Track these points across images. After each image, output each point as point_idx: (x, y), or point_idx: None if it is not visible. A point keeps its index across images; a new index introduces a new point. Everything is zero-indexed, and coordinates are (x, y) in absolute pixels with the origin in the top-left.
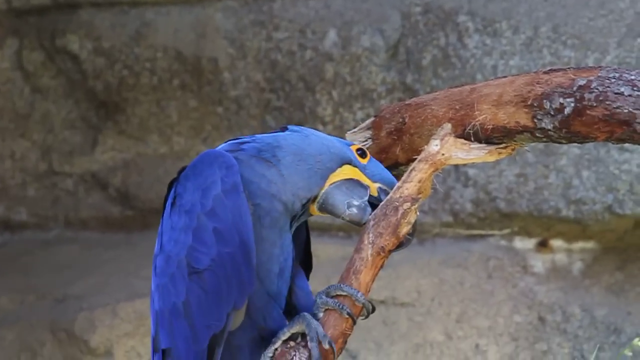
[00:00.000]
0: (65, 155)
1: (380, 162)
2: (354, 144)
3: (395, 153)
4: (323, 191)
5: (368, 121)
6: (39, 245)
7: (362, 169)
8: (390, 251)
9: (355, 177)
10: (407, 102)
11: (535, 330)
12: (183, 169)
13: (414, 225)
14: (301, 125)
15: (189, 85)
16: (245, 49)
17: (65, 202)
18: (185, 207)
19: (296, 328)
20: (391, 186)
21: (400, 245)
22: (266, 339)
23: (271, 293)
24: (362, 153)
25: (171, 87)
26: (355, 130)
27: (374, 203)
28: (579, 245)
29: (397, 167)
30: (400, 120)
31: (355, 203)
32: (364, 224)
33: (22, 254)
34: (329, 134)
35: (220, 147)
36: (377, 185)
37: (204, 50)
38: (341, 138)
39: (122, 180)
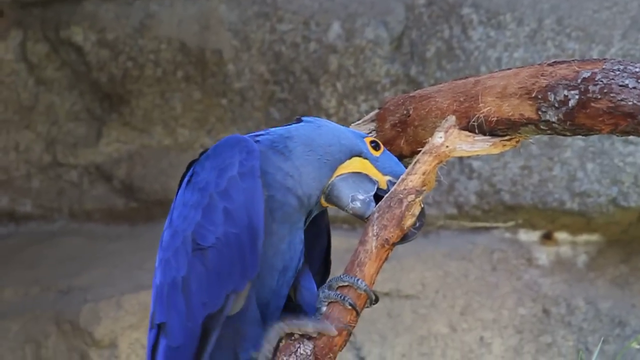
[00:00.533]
0: (70, 147)
1: None
2: (368, 136)
3: (399, 145)
4: (330, 182)
5: (372, 113)
6: (43, 237)
7: (374, 161)
8: (394, 244)
9: (364, 171)
10: (411, 94)
11: (540, 323)
12: (205, 150)
13: (422, 218)
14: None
15: (193, 77)
16: (250, 41)
17: (69, 193)
18: (200, 184)
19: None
20: None
21: (406, 237)
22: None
23: (269, 289)
24: (375, 145)
25: (175, 78)
26: (360, 122)
27: (382, 196)
28: (583, 237)
29: (401, 160)
30: (405, 112)
31: (360, 197)
32: (368, 218)
33: (26, 246)
34: None
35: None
36: (387, 178)
37: (208, 42)
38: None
39: (126, 172)
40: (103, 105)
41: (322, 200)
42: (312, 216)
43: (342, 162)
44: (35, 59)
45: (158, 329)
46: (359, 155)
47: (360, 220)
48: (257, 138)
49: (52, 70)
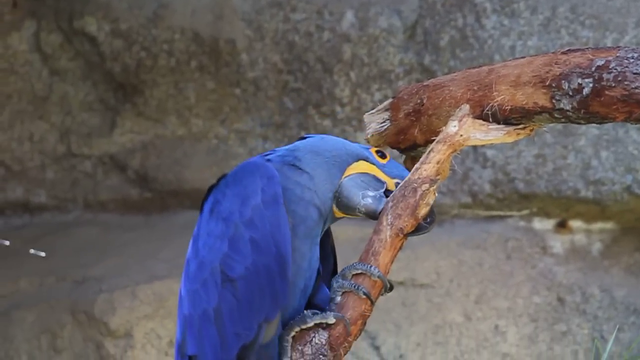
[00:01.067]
0: (84, 137)
1: (398, 143)
2: (372, 147)
3: (413, 134)
4: (339, 183)
5: (386, 102)
6: (58, 228)
7: (381, 167)
8: (407, 235)
9: (372, 172)
10: (425, 83)
11: (555, 311)
12: (223, 176)
13: (433, 215)
14: (319, 107)
15: (207, 66)
16: (263, 31)
17: (84, 184)
18: (223, 214)
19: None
20: None
21: (418, 229)
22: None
23: (292, 309)
24: (381, 154)
25: (189, 68)
26: (373, 111)
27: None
28: (598, 225)
29: (415, 149)
30: (419, 101)
31: (371, 194)
32: (379, 215)
33: (41, 236)
34: (347, 116)
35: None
36: (395, 180)
37: (222, 32)
38: (360, 143)
39: (140, 162)
40: (117, 96)
41: (334, 208)
42: (325, 229)
43: (349, 164)
44: (49, 50)
45: None
46: (366, 160)
47: (372, 219)
48: (267, 157)
49: (66, 60)
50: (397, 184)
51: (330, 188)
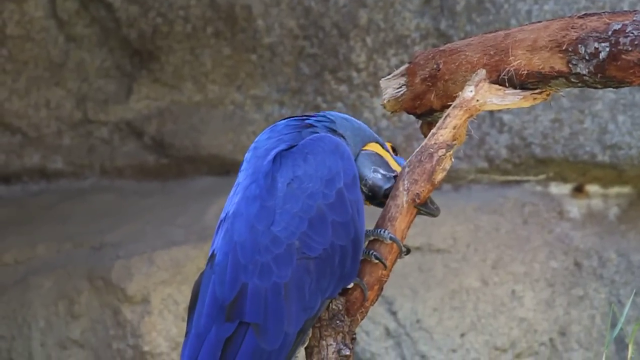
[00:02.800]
0: (100, 103)
1: (415, 108)
2: (388, 143)
3: (429, 99)
4: (358, 153)
5: (402, 68)
6: (74, 194)
7: (394, 158)
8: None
9: (385, 157)
10: (441, 48)
11: (572, 276)
12: (291, 146)
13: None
14: (335, 73)
15: (223, 32)
16: None
17: (100, 150)
18: (305, 192)
19: None
20: None
21: (428, 211)
22: None
23: None
24: (393, 150)
25: (205, 34)
26: (390, 77)
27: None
28: (614, 190)
29: (431, 114)
30: (435, 66)
31: (382, 171)
32: (383, 194)
33: (58, 203)
34: (363, 81)
35: (280, 123)
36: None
37: None
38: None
39: (157, 128)
40: (133, 62)
41: None
42: None
43: (367, 141)
44: (65, 16)
45: (244, 327)
46: (381, 145)
47: (374, 198)
48: (306, 121)
49: (82, 27)
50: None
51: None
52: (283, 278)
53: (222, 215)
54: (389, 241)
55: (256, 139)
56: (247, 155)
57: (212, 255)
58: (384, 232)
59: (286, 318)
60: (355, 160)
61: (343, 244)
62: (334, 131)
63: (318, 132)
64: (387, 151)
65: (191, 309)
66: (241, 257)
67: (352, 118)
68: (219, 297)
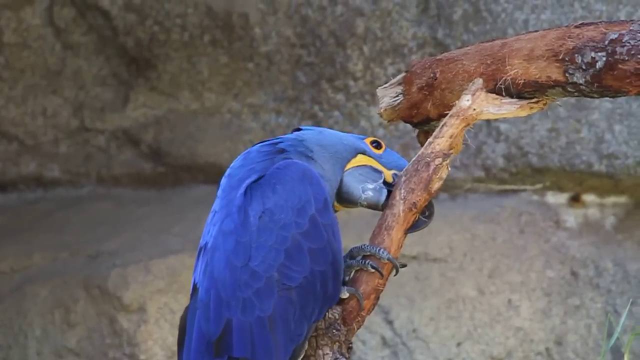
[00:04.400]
0: (97, 111)
1: (411, 117)
2: (368, 137)
3: (426, 108)
4: (340, 178)
5: (399, 76)
6: (71, 202)
7: (377, 158)
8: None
9: (369, 164)
10: (438, 57)
11: (568, 285)
12: (260, 177)
13: (432, 206)
14: (332, 81)
15: (220, 41)
16: (276, 4)
17: (97, 158)
18: (278, 224)
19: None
20: None
21: (416, 226)
22: None
23: None
24: (377, 145)
25: (202, 43)
26: (386, 85)
27: (389, 190)
28: (611, 199)
29: (428, 123)
30: (432, 75)
31: (370, 186)
32: (382, 206)
33: (54, 211)
34: (360, 90)
35: (253, 149)
36: (392, 172)
37: (235, 6)
38: (355, 134)
39: (153, 136)
40: (130, 70)
41: (335, 203)
42: None
43: (349, 160)
44: (62, 24)
45: None
46: (363, 153)
47: (375, 210)
48: (278, 146)
49: (79, 35)
50: (394, 175)
51: (334, 184)
52: (266, 311)
53: (202, 241)
54: (386, 261)
55: (231, 165)
56: (223, 182)
57: (195, 289)
58: (382, 252)
59: (274, 350)
60: (341, 183)
61: (322, 268)
62: (307, 156)
63: (291, 158)
64: (370, 155)
65: (180, 344)
66: (223, 293)
67: (330, 132)
68: (206, 334)
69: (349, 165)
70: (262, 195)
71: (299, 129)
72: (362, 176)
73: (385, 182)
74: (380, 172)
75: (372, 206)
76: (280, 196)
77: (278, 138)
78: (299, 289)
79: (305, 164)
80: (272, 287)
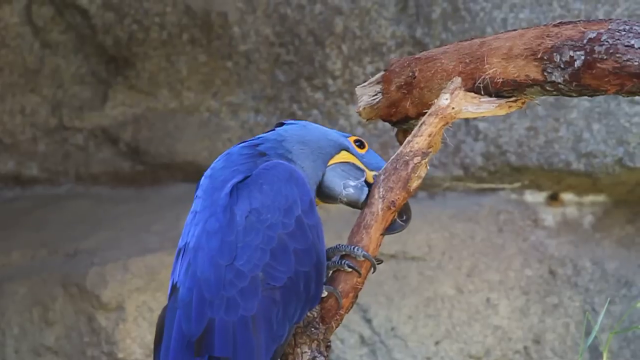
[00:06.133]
0: (76, 110)
1: (390, 116)
2: (351, 136)
3: (405, 107)
4: (322, 174)
5: (378, 75)
6: (49, 200)
7: (360, 157)
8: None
9: (352, 161)
10: (417, 56)
11: (546, 284)
12: (247, 177)
13: (409, 209)
14: (311, 80)
15: (199, 39)
16: (255, 3)
17: (75, 157)
18: (264, 224)
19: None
20: None
21: (393, 229)
22: None
23: None
24: (360, 144)
25: (181, 41)
26: (365, 84)
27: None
28: (589, 198)
29: (407, 121)
30: (410, 74)
31: (352, 183)
32: (363, 204)
33: (33, 209)
34: (339, 89)
35: (234, 150)
36: (374, 173)
37: (213, 5)
38: (339, 131)
39: (132, 135)
40: (109, 69)
41: (317, 198)
42: None
43: (332, 156)
44: (40, 22)
45: None
46: (347, 150)
47: (354, 208)
48: (259, 148)
49: (58, 33)
50: (374, 177)
51: (315, 180)
52: (250, 311)
53: (181, 242)
54: (362, 258)
55: (212, 166)
56: (203, 183)
57: (175, 288)
58: (357, 249)
59: (256, 350)
60: (323, 178)
61: (306, 269)
62: (287, 158)
63: (271, 160)
64: (353, 153)
65: (157, 344)
66: (206, 292)
67: (314, 127)
68: (186, 333)
69: (332, 161)
70: (249, 195)
71: (281, 124)
72: (345, 172)
73: (366, 182)
74: (362, 170)
75: (352, 204)
76: (267, 196)
77: (258, 138)
78: (283, 289)
79: (291, 165)
80: (257, 286)
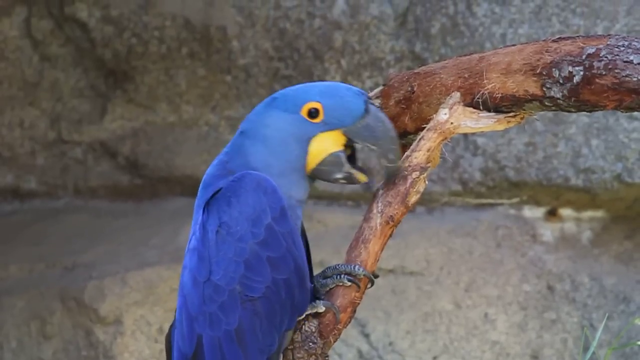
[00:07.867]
0: (74, 123)
1: None
2: (304, 106)
3: (404, 122)
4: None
5: (377, 90)
6: (48, 214)
7: (321, 129)
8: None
9: (324, 151)
10: (415, 71)
11: (544, 299)
12: (218, 191)
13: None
14: None
15: (198, 53)
16: (254, 18)
17: (74, 170)
18: (235, 236)
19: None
20: (354, 123)
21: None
22: None
23: None
24: (314, 113)
25: (180, 55)
26: None
27: (354, 147)
28: (588, 214)
29: (406, 136)
30: (409, 89)
31: (339, 176)
32: (364, 187)
33: (31, 223)
34: None
35: (208, 172)
36: (340, 135)
37: (213, 19)
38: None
39: (131, 148)
40: (107, 82)
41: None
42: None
43: (306, 152)
44: (39, 36)
45: None
46: (310, 136)
47: (366, 194)
48: (228, 165)
49: (57, 46)
50: (346, 132)
51: (296, 187)
52: (232, 324)
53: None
54: (362, 277)
55: (203, 178)
56: (196, 201)
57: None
58: (358, 268)
59: None
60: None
61: (285, 277)
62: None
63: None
64: (314, 133)
65: None
66: (191, 310)
67: (272, 135)
68: (183, 351)
69: (312, 160)
70: (218, 210)
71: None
72: (328, 169)
73: (348, 158)
74: (338, 155)
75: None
76: (234, 208)
77: (225, 155)
78: (263, 299)
79: (263, 176)
80: (236, 299)
